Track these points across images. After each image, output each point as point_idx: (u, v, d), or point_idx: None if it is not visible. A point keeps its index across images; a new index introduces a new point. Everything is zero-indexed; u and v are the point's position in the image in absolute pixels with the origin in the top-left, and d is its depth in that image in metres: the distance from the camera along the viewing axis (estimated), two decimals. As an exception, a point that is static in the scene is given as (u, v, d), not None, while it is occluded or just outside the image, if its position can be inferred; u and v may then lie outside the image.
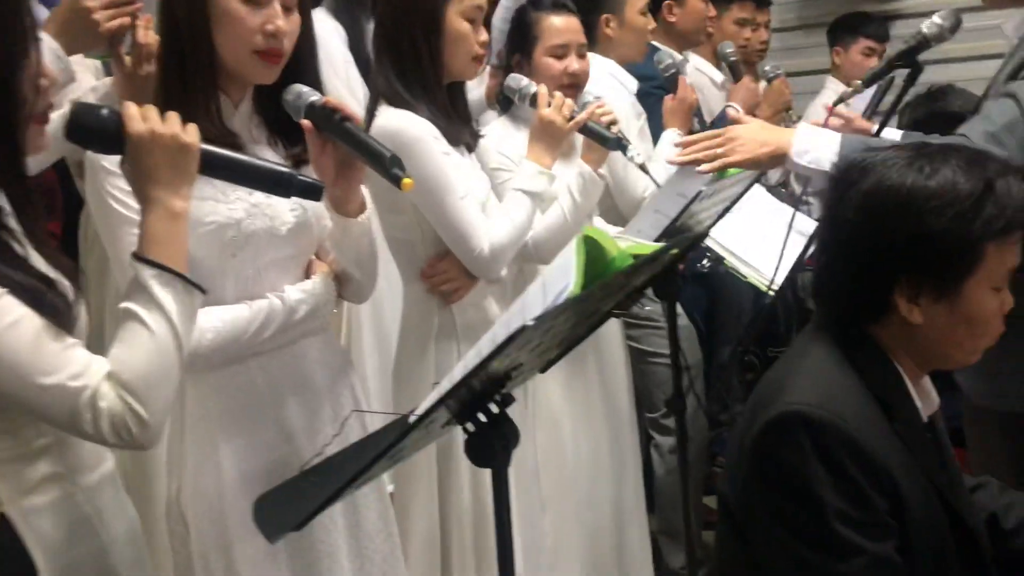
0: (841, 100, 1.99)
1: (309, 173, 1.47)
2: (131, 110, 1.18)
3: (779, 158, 1.77)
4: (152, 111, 1.18)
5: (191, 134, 1.19)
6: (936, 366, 1.41)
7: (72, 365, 1.08)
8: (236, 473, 1.45)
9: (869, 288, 1.31)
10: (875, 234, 1.29)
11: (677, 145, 2.00)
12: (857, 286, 1.33)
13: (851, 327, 1.34)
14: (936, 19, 1.93)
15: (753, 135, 1.78)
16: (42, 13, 1.84)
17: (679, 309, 2.96)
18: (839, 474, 1.23)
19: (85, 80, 1.92)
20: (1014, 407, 1.80)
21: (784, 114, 3.36)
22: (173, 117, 1.19)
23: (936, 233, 1.25)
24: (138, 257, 1.15)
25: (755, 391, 1.38)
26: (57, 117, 1.26)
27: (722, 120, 3.09)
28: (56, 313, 1.08)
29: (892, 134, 2.00)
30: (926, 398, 1.40)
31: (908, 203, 1.25)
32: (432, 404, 0.96)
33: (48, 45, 1.61)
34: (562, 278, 1.01)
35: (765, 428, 1.28)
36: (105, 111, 1.18)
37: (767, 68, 3.49)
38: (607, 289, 1.14)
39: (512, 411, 1.18)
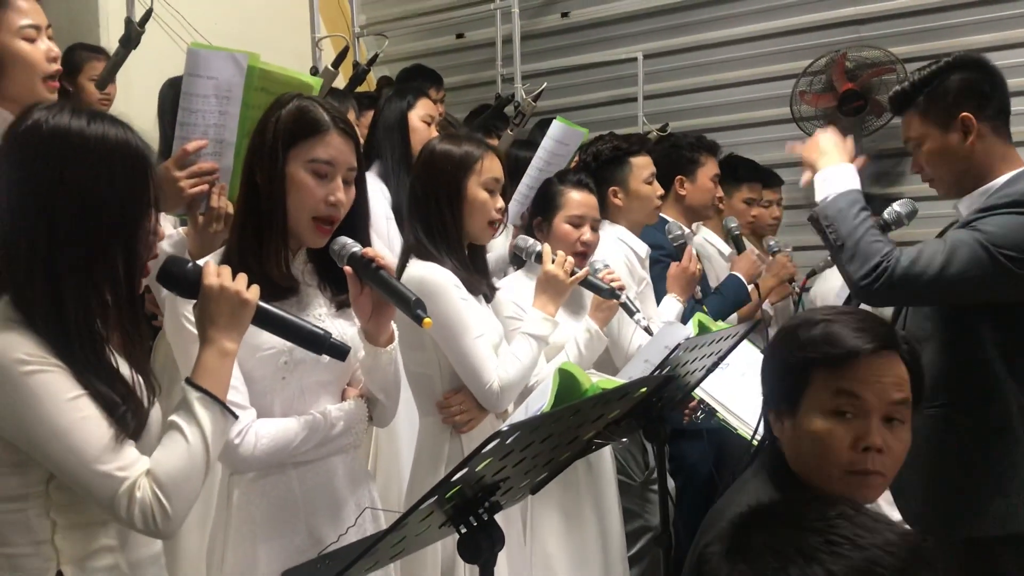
0: (814, 273, 2.27)
1: (349, 316, 1.75)
2: (210, 267, 1.47)
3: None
4: (226, 271, 1.47)
5: (252, 293, 1.47)
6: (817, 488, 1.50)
7: (123, 459, 1.34)
8: (269, 572, 1.64)
9: (764, 413, 1.54)
10: (762, 370, 1.53)
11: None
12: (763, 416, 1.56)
13: (774, 453, 1.53)
14: (895, 207, 2.24)
15: (824, 150, 2.10)
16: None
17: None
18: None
19: (167, 228, 2.28)
20: (951, 531, 1.97)
21: (788, 285, 3.62)
22: (241, 278, 1.47)
23: (776, 358, 1.50)
24: (189, 381, 1.42)
25: (703, 520, 1.57)
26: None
27: (728, 284, 3.37)
28: (118, 413, 1.34)
29: None
30: None
31: (774, 340, 1.53)
32: (425, 495, 1.19)
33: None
34: (540, 400, 1.27)
35: (703, 550, 1.47)
36: (190, 265, 1.49)
37: (772, 243, 3.80)
38: (580, 414, 1.37)
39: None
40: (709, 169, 3.53)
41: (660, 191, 3.09)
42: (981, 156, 2.03)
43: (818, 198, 2.04)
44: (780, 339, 1.51)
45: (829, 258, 2.34)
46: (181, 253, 2.18)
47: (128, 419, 1.35)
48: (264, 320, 1.51)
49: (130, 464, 1.34)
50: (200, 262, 1.54)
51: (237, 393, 1.61)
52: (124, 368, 1.41)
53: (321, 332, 1.53)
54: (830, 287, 3.86)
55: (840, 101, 4.51)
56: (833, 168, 2.05)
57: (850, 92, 4.49)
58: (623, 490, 2.86)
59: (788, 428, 1.47)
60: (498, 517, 1.35)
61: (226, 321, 1.45)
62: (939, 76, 2.03)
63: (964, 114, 2.01)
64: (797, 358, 1.45)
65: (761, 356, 2.70)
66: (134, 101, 3.87)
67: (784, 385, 1.47)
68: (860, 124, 4.57)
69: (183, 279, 1.48)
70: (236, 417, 1.46)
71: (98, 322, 1.37)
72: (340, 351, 1.54)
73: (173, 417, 1.40)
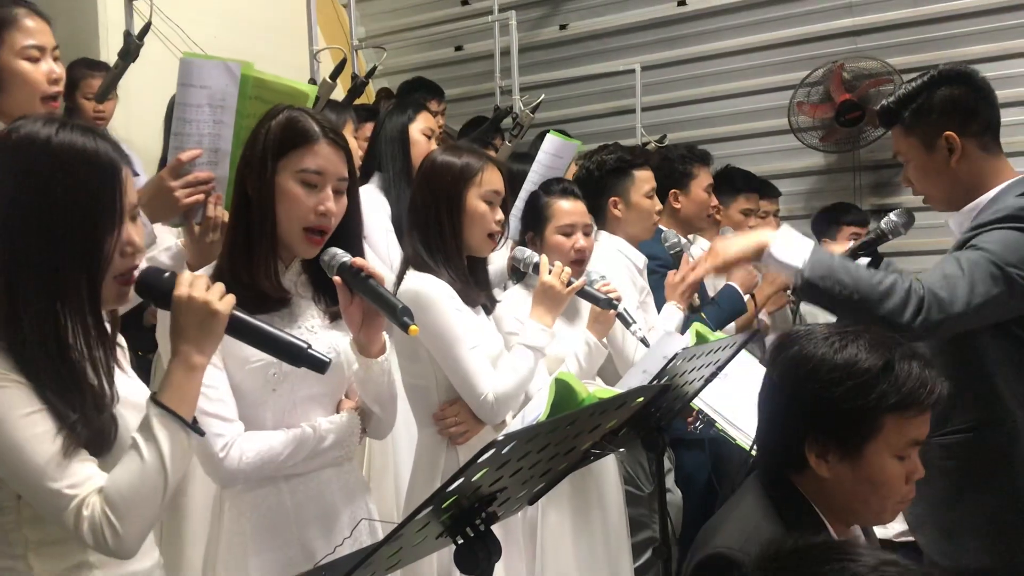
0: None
1: (342, 328, 1.74)
2: (182, 277, 1.42)
3: (759, 252, 1.93)
4: (200, 281, 1.41)
5: (224, 304, 1.40)
6: (850, 522, 1.54)
7: (74, 477, 1.30)
8: None
9: (783, 441, 1.50)
10: (787, 395, 1.49)
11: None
12: (774, 438, 1.52)
13: (777, 476, 1.51)
14: (892, 217, 2.23)
15: (732, 242, 1.96)
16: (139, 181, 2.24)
17: (670, 484, 3.16)
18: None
19: (168, 240, 2.28)
20: (972, 563, 1.95)
21: (784, 293, 3.62)
22: (216, 288, 1.41)
23: (834, 400, 1.42)
24: (151, 397, 1.37)
25: (697, 536, 1.54)
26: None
27: (725, 295, 3.37)
28: (75, 431, 1.31)
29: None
30: None
31: (814, 372, 1.45)
32: (421, 506, 1.19)
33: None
34: (536, 409, 1.26)
35: (695, 567, 1.46)
36: (166, 275, 1.44)
37: (767, 252, 3.79)
38: (576, 424, 1.36)
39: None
40: (702, 180, 3.53)
41: (659, 206, 3.09)
42: (967, 174, 2.00)
43: (797, 265, 1.86)
44: (834, 373, 1.42)
45: None
46: (180, 264, 2.17)
47: (79, 429, 1.32)
48: (239, 331, 1.45)
49: (81, 482, 1.31)
50: (199, 272, 1.52)
51: (224, 405, 1.59)
52: (92, 378, 1.37)
53: (299, 343, 1.47)
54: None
55: (837, 112, 4.52)
56: (779, 241, 1.90)
57: (848, 103, 4.50)
58: (631, 501, 2.87)
59: (839, 466, 1.44)
60: (497, 528, 1.34)
61: (194, 333, 1.38)
62: (924, 91, 2.00)
63: (948, 133, 1.98)
64: (871, 403, 1.41)
65: (758, 365, 2.71)
66: (133, 113, 3.89)
67: (847, 426, 1.43)
68: (858, 135, 4.58)
69: (157, 290, 1.44)
70: (202, 434, 1.41)
71: (61, 332, 1.33)
72: (319, 364, 1.47)
73: (133, 434, 1.36)
